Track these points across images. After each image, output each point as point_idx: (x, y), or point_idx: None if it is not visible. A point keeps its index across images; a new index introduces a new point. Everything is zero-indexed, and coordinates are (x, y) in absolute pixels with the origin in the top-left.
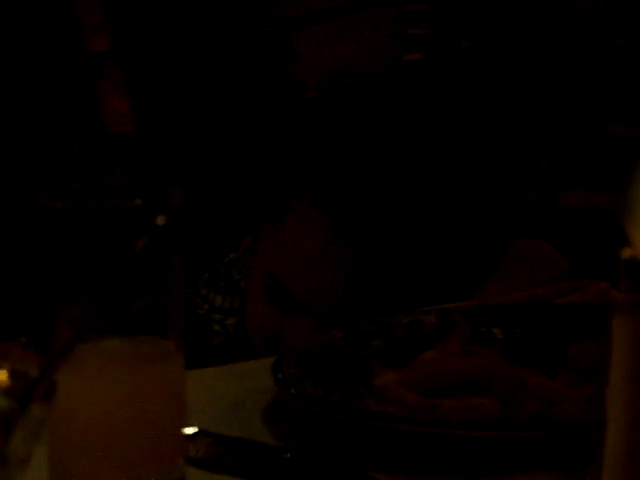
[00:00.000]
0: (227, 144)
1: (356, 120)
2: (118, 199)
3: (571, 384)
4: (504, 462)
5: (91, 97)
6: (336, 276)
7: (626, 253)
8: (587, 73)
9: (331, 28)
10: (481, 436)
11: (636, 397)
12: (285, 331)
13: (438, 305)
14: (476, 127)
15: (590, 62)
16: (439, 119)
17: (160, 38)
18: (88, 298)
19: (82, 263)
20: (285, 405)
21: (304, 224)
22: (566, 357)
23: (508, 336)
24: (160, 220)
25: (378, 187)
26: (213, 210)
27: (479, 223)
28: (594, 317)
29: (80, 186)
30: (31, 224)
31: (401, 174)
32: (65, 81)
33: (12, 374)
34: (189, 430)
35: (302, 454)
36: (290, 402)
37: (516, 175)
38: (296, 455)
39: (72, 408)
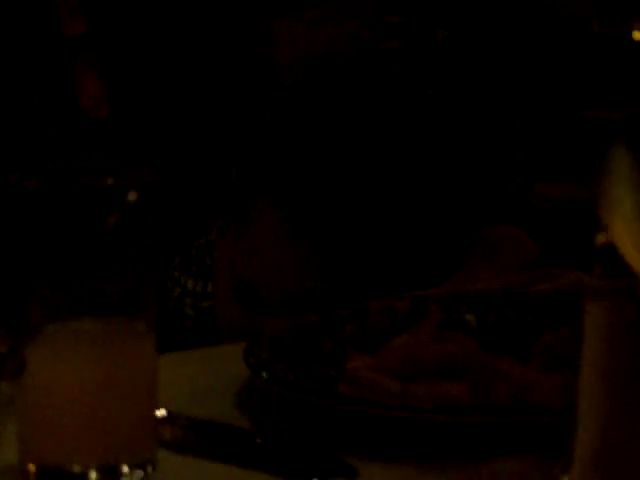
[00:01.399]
0: (201, 129)
1: (330, 107)
2: (90, 178)
3: (544, 370)
4: (476, 447)
5: (67, 81)
6: (301, 275)
7: (600, 239)
8: (561, 59)
9: (308, 15)
10: (452, 421)
11: (608, 381)
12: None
13: (411, 293)
14: (452, 117)
15: (565, 49)
16: (414, 108)
17: (136, 23)
18: (59, 277)
19: (54, 242)
20: (257, 389)
21: (266, 225)
22: (539, 344)
23: (481, 323)
24: (132, 196)
25: (344, 179)
26: (185, 194)
27: (452, 213)
28: (567, 304)
29: (53, 165)
30: (4, 204)
31: (373, 164)
32: (41, 65)
33: None
34: (161, 413)
35: (274, 438)
36: (262, 386)
37: (493, 167)
38: (268, 439)
39: (43, 388)
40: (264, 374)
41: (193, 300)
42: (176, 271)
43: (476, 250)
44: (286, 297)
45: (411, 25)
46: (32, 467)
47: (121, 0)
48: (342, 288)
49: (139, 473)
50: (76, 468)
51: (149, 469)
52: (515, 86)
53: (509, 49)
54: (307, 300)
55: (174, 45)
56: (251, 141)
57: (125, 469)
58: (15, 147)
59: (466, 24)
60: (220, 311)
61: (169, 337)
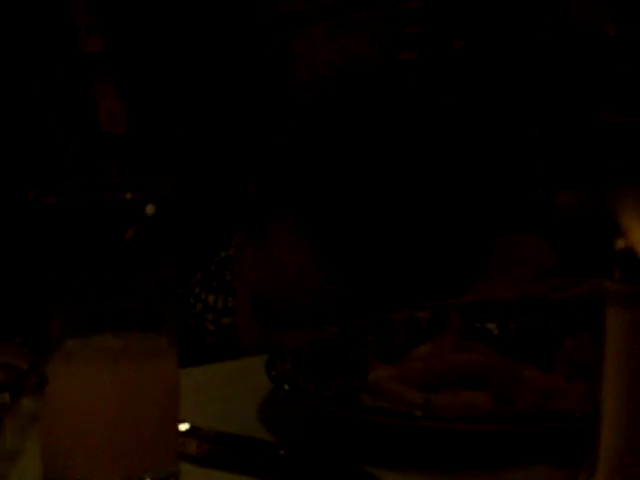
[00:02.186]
0: (219, 143)
1: (349, 119)
2: (109, 194)
3: (566, 378)
4: (498, 456)
5: (85, 98)
6: (320, 291)
7: (620, 244)
8: (579, 65)
9: (325, 27)
10: (475, 430)
11: (630, 387)
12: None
13: (431, 303)
14: (470, 127)
15: (582, 53)
16: (433, 119)
17: (154, 39)
18: (80, 293)
19: (74, 258)
20: (279, 401)
21: (285, 242)
22: (561, 351)
23: (503, 331)
24: (150, 210)
25: (363, 190)
26: (204, 209)
27: (471, 222)
28: (588, 311)
29: (71, 181)
30: (23, 221)
31: (393, 175)
32: (59, 82)
33: (1, 368)
34: (183, 426)
35: (297, 450)
36: (284, 398)
37: (512, 176)
38: (291, 451)
39: (65, 404)
40: (286, 386)
41: (214, 316)
42: (197, 287)
43: (494, 258)
44: (304, 313)
45: (428, 35)
46: None
47: (139, 17)
48: (361, 301)
49: None
50: None
51: None
52: (533, 94)
53: (526, 57)
54: (325, 316)
55: (191, 60)
56: (269, 155)
57: None
58: (34, 164)
59: (482, 33)
60: (240, 327)
61: (191, 353)
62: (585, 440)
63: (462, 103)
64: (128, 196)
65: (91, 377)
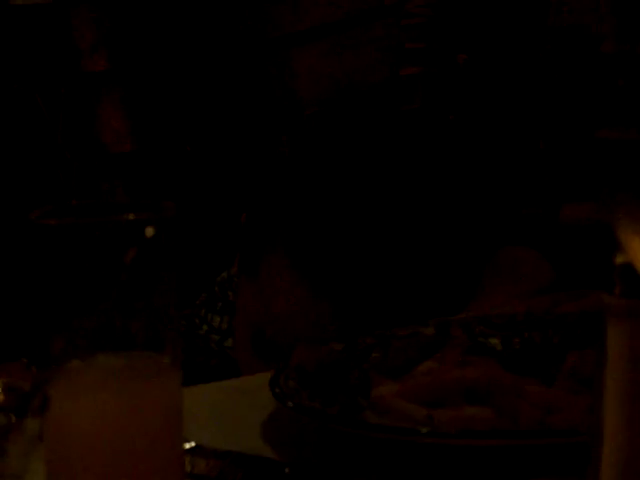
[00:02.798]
0: (224, 163)
1: (353, 134)
2: (111, 214)
3: (569, 392)
4: (502, 471)
5: (89, 117)
6: (317, 323)
7: (620, 258)
8: (578, 81)
9: (328, 44)
10: (479, 445)
11: (632, 401)
12: None
13: (434, 318)
14: (475, 141)
15: (580, 70)
16: (438, 135)
17: (158, 58)
18: (83, 313)
19: (77, 279)
20: (284, 419)
21: (278, 277)
22: (564, 366)
23: (506, 346)
24: (150, 231)
25: (367, 202)
26: (207, 228)
27: (475, 237)
28: (591, 325)
29: (73, 202)
30: (26, 242)
31: (398, 189)
32: (63, 101)
33: (5, 389)
34: (189, 445)
35: (302, 468)
36: (289, 416)
37: (518, 191)
38: (296, 469)
39: (69, 425)
40: (290, 403)
41: (219, 337)
42: (203, 308)
43: (494, 272)
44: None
45: (431, 51)
46: None
47: (142, 36)
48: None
49: None
50: None
51: None
52: (537, 108)
53: (529, 71)
54: None
55: (196, 78)
56: (262, 186)
57: None
58: (38, 183)
59: (486, 47)
60: (240, 359)
61: (197, 374)
62: (587, 455)
63: (466, 117)
64: (130, 217)
65: (94, 397)
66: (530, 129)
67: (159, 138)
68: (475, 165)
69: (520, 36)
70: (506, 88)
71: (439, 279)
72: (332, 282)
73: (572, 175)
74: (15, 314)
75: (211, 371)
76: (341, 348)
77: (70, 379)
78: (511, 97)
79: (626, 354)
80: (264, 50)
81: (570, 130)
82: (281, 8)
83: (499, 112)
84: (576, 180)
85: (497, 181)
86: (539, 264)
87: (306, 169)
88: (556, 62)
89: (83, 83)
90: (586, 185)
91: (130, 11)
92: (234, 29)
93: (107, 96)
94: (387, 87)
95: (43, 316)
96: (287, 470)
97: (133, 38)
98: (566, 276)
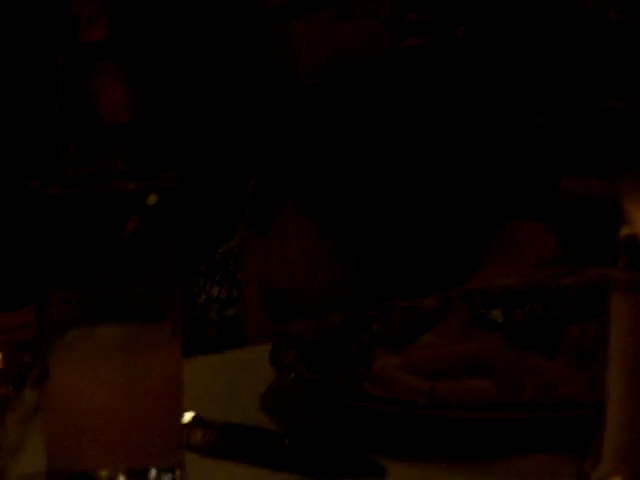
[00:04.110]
0: (224, 134)
1: (353, 106)
2: (112, 184)
3: (572, 365)
4: (503, 443)
5: (87, 87)
6: (331, 277)
7: (624, 232)
8: (583, 52)
9: (327, 15)
10: (480, 418)
11: (636, 373)
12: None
13: (436, 290)
14: (475, 114)
15: (585, 41)
16: (437, 106)
17: (156, 27)
18: (83, 283)
19: (77, 248)
20: (284, 391)
21: (292, 232)
22: (566, 339)
23: (507, 318)
24: (152, 199)
25: (368, 179)
26: (208, 200)
27: (476, 209)
28: (593, 299)
29: (74, 171)
30: (26, 211)
31: (397, 163)
32: (61, 71)
33: (4, 360)
34: (187, 416)
35: (301, 439)
36: (289, 387)
37: (516, 163)
38: (295, 440)
39: (68, 395)
40: (290, 375)
41: (218, 307)
42: (202, 278)
43: (498, 245)
44: (317, 303)
45: (431, 22)
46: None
47: (140, 5)
48: (373, 286)
49: (167, 476)
50: (104, 473)
51: (177, 473)
52: (538, 81)
53: (530, 44)
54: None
55: (194, 48)
56: (271, 144)
57: (153, 473)
58: (36, 154)
59: (486, 19)
60: (247, 319)
61: (195, 344)
62: (591, 427)
63: (466, 90)
64: (131, 186)
65: (94, 367)
66: (530, 102)
67: (158, 108)
68: (474, 137)
69: (520, 8)
70: (506, 61)
71: (445, 248)
72: (346, 230)
73: (571, 149)
74: (14, 283)
75: (210, 341)
76: (341, 319)
77: (70, 350)
78: (511, 70)
79: (630, 326)
80: (262, 20)
81: (571, 103)
82: None
83: (499, 85)
84: (575, 154)
85: (496, 154)
86: (545, 239)
87: (309, 137)
88: (557, 34)
89: (81, 53)
90: (585, 159)
91: None
92: (233, 1)
93: (105, 66)
94: (387, 58)
95: (42, 286)
96: (286, 441)
97: (132, 8)
98: (570, 250)
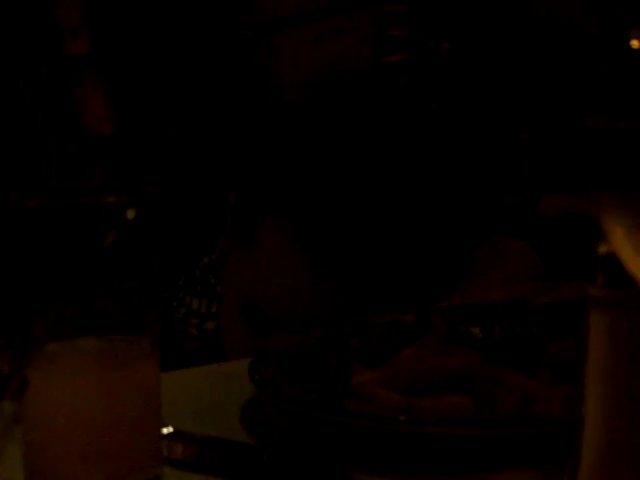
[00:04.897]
0: (205, 147)
1: (335, 121)
2: (92, 197)
3: (549, 382)
4: (482, 460)
5: (70, 100)
6: (311, 291)
7: (602, 249)
8: (563, 69)
9: (310, 30)
10: (458, 434)
11: (613, 392)
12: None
13: (416, 306)
14: (457, 130)
15: (565, 58)
16: (420, 122)
17: (139, 41)
18: (62, 296)
19: (56, 261)
20: (262, 405)
21: (272, 245)
22: (545, 355)
23: (486, 335)
24: (130, 214)
25: (350, 194)
26: (188, 213)
27: (457, 225)
28: (572, 315)
29: (54, 184)
30: (5, 223)
31: (378, 178)
32: (44, 84)
33: None
34: (166, 430)
35: (280, 454)
36: (268, 402)
37: (498, 179)
38: (274, 455)
39: (46, 407)
40: (269, 390)
41: (198, 320)
42: (181, 291)
43: (479, 261)
44: (295, 318)
45: (414, 38)
46: None
47: (124, 19)
48: (352, 303)
49: None
50: None
51: None
52: (520, 97)
53: (512, 60)
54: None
55: (178, 62)
56: (254, 158)
57: None
58: (18, 166)
59: (469, 35)
60: (225, 330)
61: (174, 358)
62: (568, 444)
63: (449, 106)
64: (110, 199)
65: (73, 380)
66: (512, 118)
67: (140, 121)
68: (457, 153)
69: (503, 25)
70: (489, 77)
71: (420, 267)
72: (326, 245)
73: (552, 165)
74: None
75: (189, 355)
76: (321, 335)
77: (49, 362)
78: (494, 86)
79: (608, 344)
80: (246, 35)
81: (553, 120)
82: None
83: (482, 101)
84: (556, 170)
85: (478, 170)
86: (525, 255)
87: (290, 151)
88: (539, 51)
89: (65, 66)
90: (566, 175)
91: None
92: (216, 14)
93: (88, 79)
94: (370, 74)
95: (22, 298)
96: (265, 456)
97: (115, 21)
98: (550, 266)
